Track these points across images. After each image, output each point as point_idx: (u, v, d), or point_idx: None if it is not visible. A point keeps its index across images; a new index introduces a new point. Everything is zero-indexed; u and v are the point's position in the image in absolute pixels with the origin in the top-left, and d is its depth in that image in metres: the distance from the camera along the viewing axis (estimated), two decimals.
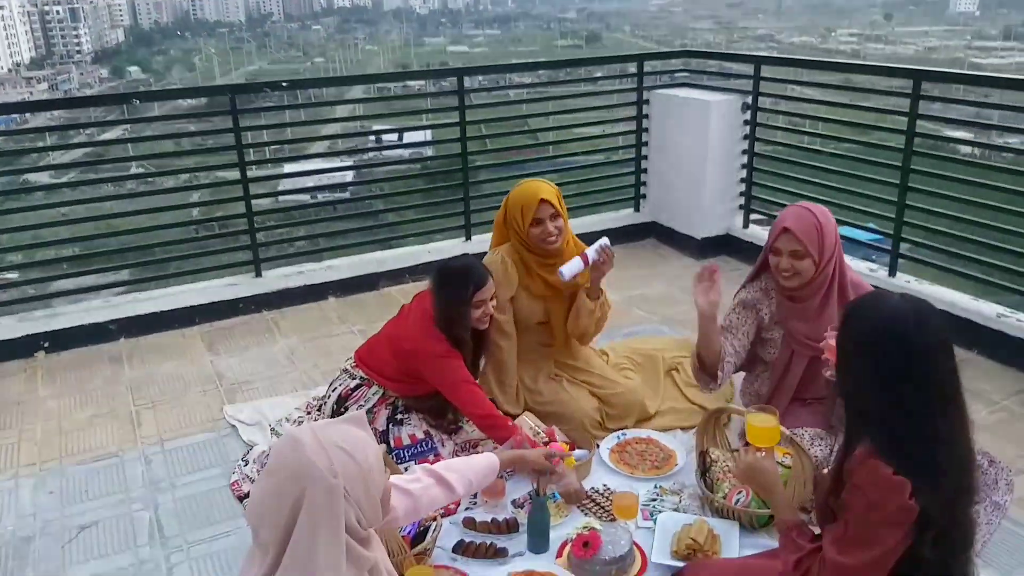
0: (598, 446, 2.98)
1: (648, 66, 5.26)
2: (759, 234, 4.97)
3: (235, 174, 4.22)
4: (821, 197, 4.61)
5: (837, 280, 2.77)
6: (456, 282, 2.76)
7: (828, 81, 4.70)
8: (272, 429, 3.21)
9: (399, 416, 2.91)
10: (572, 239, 3.18)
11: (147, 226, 4.36)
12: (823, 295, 2.76)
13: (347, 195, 5.31)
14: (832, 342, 2.30)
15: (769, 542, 2.47)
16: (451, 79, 4.62)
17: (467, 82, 4.61)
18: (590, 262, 2.96)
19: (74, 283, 4.44)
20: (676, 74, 5.54)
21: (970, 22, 79.45)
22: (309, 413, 3.27)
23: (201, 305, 4.24)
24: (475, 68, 4.83)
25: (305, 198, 5.13)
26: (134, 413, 3.40)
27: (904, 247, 4.13)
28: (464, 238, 4.93)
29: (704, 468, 2.74)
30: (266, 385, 3.62)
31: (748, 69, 4.85)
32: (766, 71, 4.76)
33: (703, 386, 2.85)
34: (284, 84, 4.25)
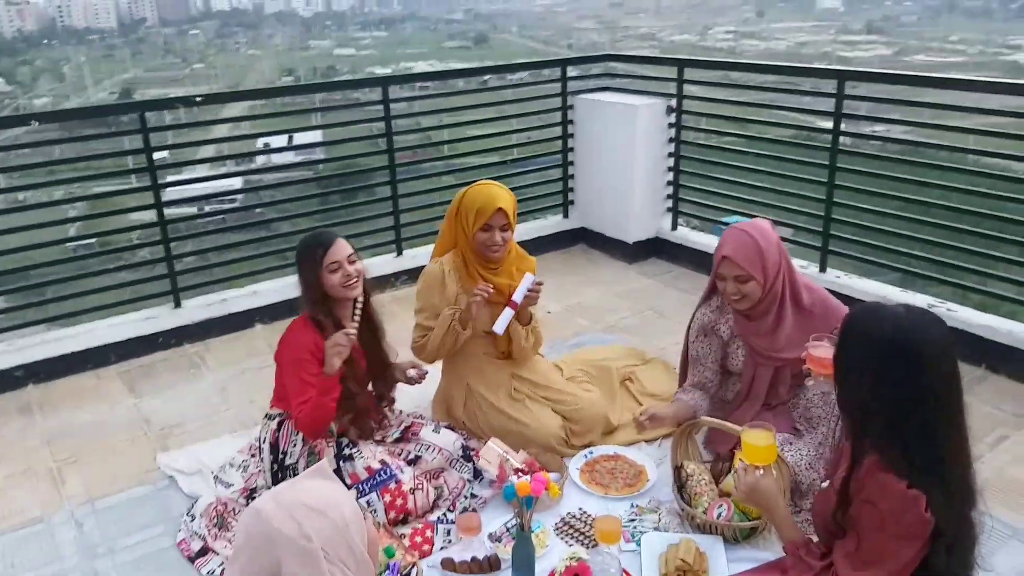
0: (567, 467, 2.90)
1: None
2: (688, 236, 5.02)
3: (148, 198, 3.91)
4: (749, 197, 4.71)
5: (789, 291, 2.77)
6: (305, 251, 2.68)
7: (751, 82, 4.79)
8: (216, 477, 2.96)
9: (347, 451, 2.74)
10: (515, 249, 3.12)
11: (54, 259, 3.98)
12: (776, 309, 2.77)
13: (267, 214, 4.95)
14: (816, 353, 2.29)
15: (754, 554, 2.45)
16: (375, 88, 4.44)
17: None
18: (518, 307, 2.95)
19: None
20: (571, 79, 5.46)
21: (835, 17, 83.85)
22: (254, 456, 3.05)
23: (116, 342, 3.91)
24: (400, 77, 4.67)
25: (220, 219, 4.79)
26: (55, 470, 3.08)
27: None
28: (396, 253, 4.75)
29: (680, 483, 2.70)
30: (200, 427, 3.35)
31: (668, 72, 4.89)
32: (689, 74, 4.79)
33: None
34: (198, 99, 3.96)
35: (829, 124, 3.99)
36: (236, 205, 4.63)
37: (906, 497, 1.68)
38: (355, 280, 2.71)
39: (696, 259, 4.87)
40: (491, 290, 2.90)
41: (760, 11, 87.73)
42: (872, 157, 4.10)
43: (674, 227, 5.07)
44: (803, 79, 5.97)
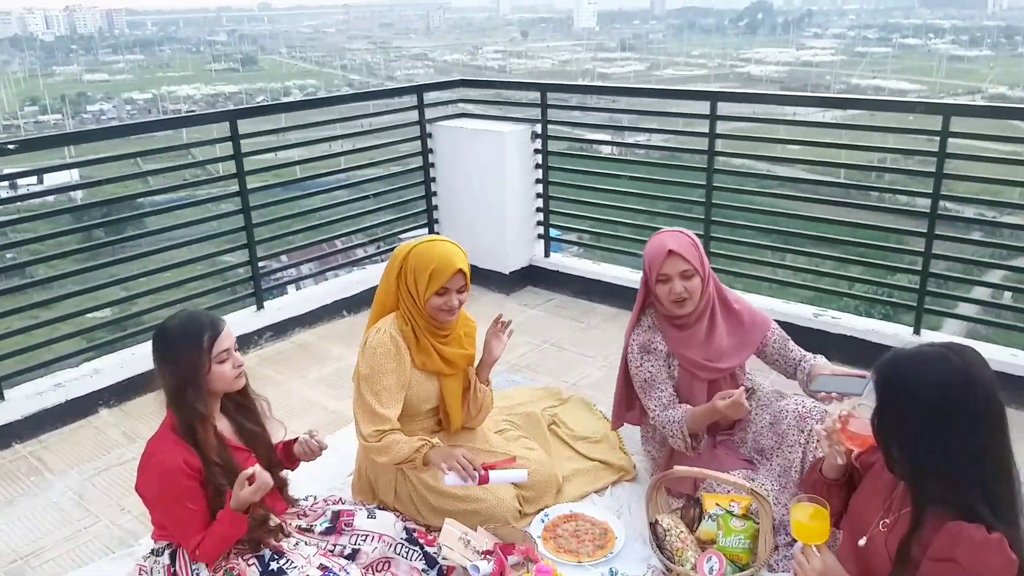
0: (532, 538, 2.62)
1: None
2: (563, 262, 4.91)
3: None
4: (622, 220, 4.69)
5: (717, 294, 2.78)
6: (184, 336, 2.16)
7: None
8: None
9: (275, 566, 2.28)
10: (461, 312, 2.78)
11: None
12: (709, 315, 2.75)
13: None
14: (856, 429, 1.99)
15: None
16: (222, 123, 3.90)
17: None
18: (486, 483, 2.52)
19: None
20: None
21: (592, 36, 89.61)
22: None
23: None
24: (250, 109, 4.12)
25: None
26: None
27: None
28: (256, 307, 4.21)
29: (659, 540, 2.52)
30: (65, 552, 2.70)
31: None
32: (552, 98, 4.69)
33: (689, 450, 2.72)
34: (11, 147, 3.24)
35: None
36: (67, 270, 3.84)
37: (990, 543, 1.60)
38: (243, 369, 2.27)
39: (573, 285, 4.77)
40: (478, 473, 2.48)
41: (524, 31, 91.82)
42: (745, 175, 4.21)
43: (547, 254, 4.95)
44: None
